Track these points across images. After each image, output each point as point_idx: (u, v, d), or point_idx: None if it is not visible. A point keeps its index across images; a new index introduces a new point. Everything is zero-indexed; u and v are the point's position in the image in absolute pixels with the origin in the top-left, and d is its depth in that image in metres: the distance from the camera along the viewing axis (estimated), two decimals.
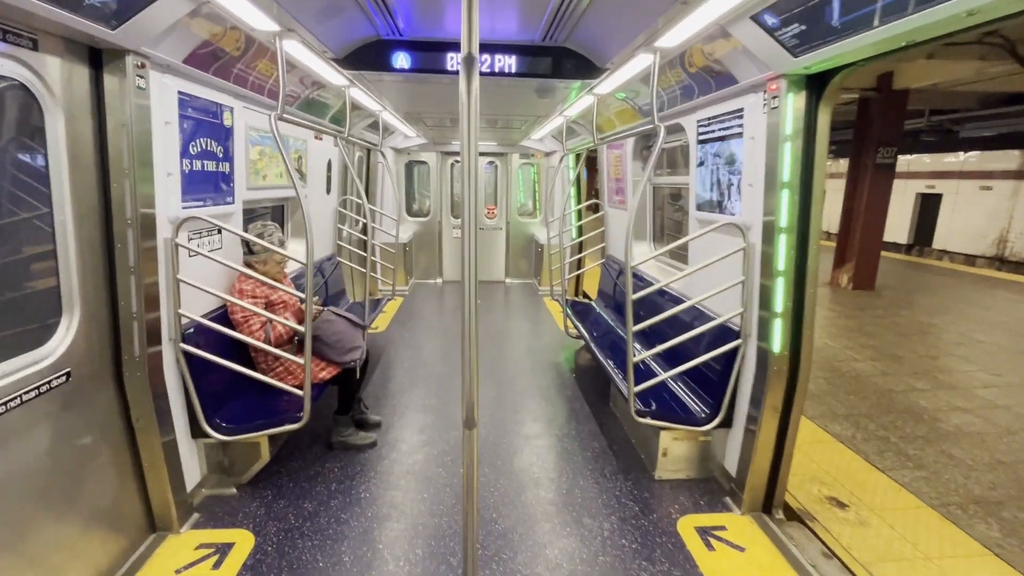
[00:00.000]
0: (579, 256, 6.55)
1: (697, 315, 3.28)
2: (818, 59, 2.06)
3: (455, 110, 5.00)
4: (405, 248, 8.18)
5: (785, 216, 2.49)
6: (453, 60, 3.03)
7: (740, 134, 2.77)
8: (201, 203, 2.78)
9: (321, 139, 4.88)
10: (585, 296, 8.13)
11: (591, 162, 8.91)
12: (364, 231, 7.00)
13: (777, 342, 2.63)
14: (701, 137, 3.24)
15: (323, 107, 4.31)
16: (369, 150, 7.42)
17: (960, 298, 8.52)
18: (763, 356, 2.72)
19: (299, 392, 2.73)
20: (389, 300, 5.72)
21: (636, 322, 2.75)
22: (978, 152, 13.43)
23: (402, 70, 3.03)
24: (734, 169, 2.88)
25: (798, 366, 2.65)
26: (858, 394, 4.53)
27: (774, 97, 2.43)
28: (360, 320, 3.45)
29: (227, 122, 2.98)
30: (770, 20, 2.08)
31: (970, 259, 13.87)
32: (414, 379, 4.73)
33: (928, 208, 14.79)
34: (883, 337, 6.20)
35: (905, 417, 4.10)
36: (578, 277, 8.00)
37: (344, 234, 5.87)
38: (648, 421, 2.95)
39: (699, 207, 3.36)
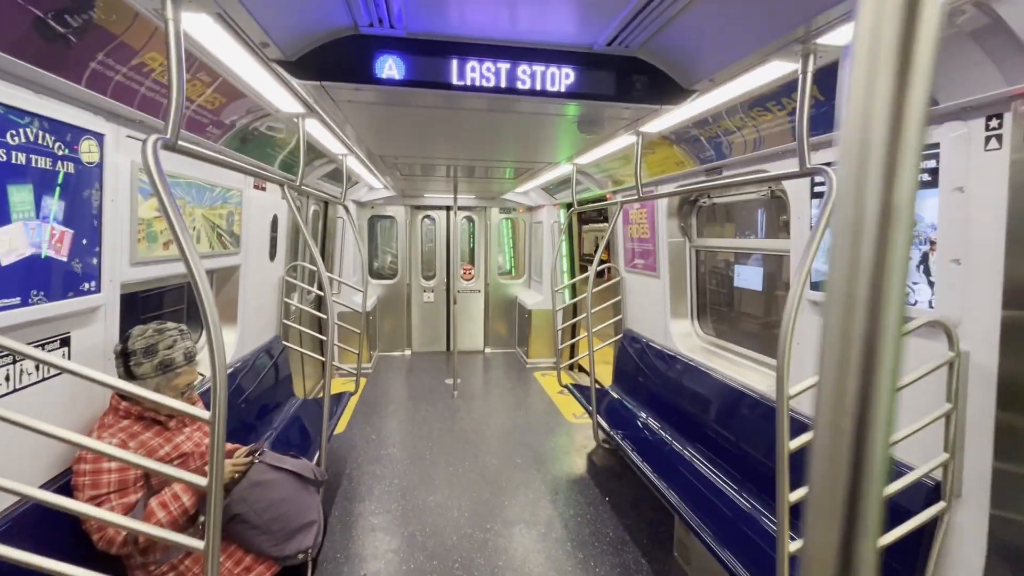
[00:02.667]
0: (583, 323, 5.47)
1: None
2: None
3: (434, 149, 3.90)
4: (368, 317, 6.86)
5: None
6: (462, 70, 1.97)
7: (928, 183, 1.81)
8: (15, 301, 1.50)
9: (264, 189, 3.67)
10: (580, 369, 7.01)
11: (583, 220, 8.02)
12: (320, 305, 5.69)
13: None
14: (822, 188, 2.29)
15: (267, 143, 3.15)
16: (327, 203, 6.23)
17: None
18: (1007, 538, 1.64)
19: None
20: (352, 396, 4.38)
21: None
22: None
23: (391, 81, 1.93)
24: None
25: None
26: None
27: None
28: (315, 472, 2.15)
29: (88, 157, 1.76)
30: None
31: None
32: (391, 521, 3.35)
33: None
34: None
35: None
36: (572, 347, 6.91)
37: (293, 309, 4.56)
38: None
39: (817, 286, 2.35)
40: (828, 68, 1.83)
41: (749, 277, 3.72)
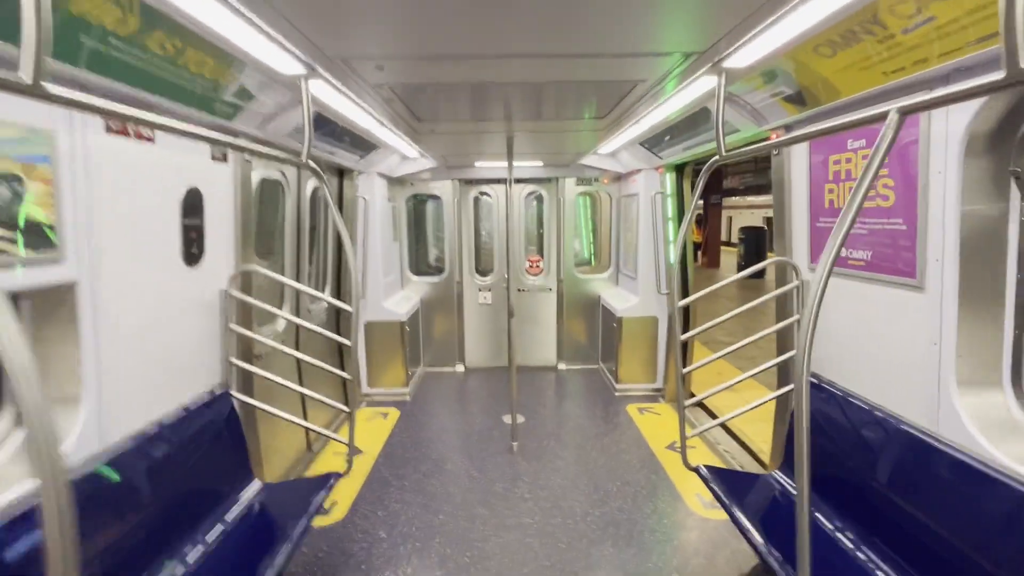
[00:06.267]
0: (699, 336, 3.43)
1: None
2: None
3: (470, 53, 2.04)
4: (404, 328, 5.23)
5: None
6: None
7: None
8: None
9: (152, 139, 2.04)
10: (698, 404, 4.91)
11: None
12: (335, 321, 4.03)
13: None
14: None
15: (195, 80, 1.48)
16: (342, 172, 4.63)
17: None
18: None
19: None
20: (342, 477, 2.71)
21: None
22: None
23: None
24: None
25: None
26: None
27: None
28: None
29: None
30: None
31: None
32: None
33: None
34: None
35: None
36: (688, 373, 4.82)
37: (256, 341, 2.98)
38: None
39: None
40: None
41: None
